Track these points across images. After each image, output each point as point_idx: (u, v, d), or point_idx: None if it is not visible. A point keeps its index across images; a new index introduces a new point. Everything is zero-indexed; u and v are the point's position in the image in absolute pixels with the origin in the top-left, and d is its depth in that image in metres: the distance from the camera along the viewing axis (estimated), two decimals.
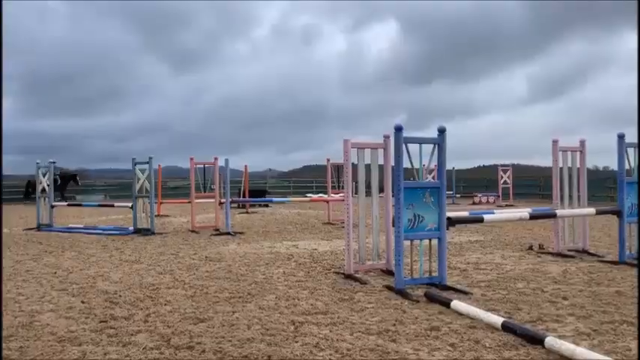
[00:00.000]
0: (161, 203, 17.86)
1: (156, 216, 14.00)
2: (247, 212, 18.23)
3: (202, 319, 4.31)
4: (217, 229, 11.71)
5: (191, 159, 12.21)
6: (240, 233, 11.05)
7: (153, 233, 10.94)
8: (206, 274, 6.33)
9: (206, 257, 7.69)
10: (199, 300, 4.97)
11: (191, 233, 11.25)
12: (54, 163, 12.28)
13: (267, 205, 21.45)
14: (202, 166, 12.95)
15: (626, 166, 6.85)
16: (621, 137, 6.77)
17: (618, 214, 6.86)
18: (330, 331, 3.97)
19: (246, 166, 20.25)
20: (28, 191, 23.92)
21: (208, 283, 5.74)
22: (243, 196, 19.72)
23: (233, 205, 17.57)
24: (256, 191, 23.68)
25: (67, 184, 23.87)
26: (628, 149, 6.86)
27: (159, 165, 18.60)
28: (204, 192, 12.96)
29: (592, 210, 6.70)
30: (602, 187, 22.88)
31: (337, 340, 3.77)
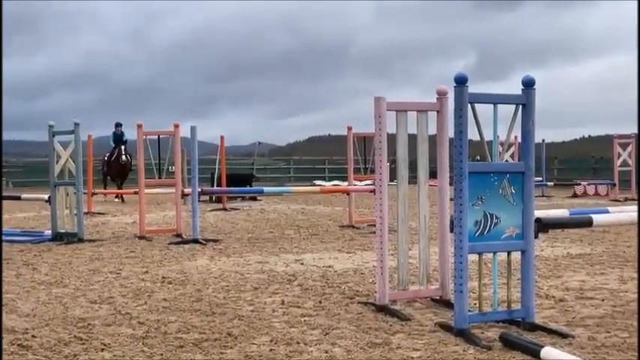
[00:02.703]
0: (94, 194, 17.98)
1: (86, 214, 14.09)
2: (225, 209, 18.28)
3: None
4: (179, 235, 11.77)
5: (138, 126, 12.22)
6: (214, 241, 11.10)
7: (81, 240, 11.02)
8: (164, 303, 6.37)
9: (163, 278, 7.73)
10: (154, 344, 5.01)
11: (140, 241, 11.31)
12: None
13: (255, 198, 21.48)
14: (156, 137, 12.97)
15: None
16: None
17: None
18: None
19: (222, 137, 20.28)
20: None
21: (167, 318, 5.78)
22: (219, 184, 19.77)
23: (204, 197, 17.60)
24: (239, 176, 23.74)
25: None
26: None
27: (89, 135, 18.69)
28: (159, 177, 12.99)
29: None
30: None
31: None
